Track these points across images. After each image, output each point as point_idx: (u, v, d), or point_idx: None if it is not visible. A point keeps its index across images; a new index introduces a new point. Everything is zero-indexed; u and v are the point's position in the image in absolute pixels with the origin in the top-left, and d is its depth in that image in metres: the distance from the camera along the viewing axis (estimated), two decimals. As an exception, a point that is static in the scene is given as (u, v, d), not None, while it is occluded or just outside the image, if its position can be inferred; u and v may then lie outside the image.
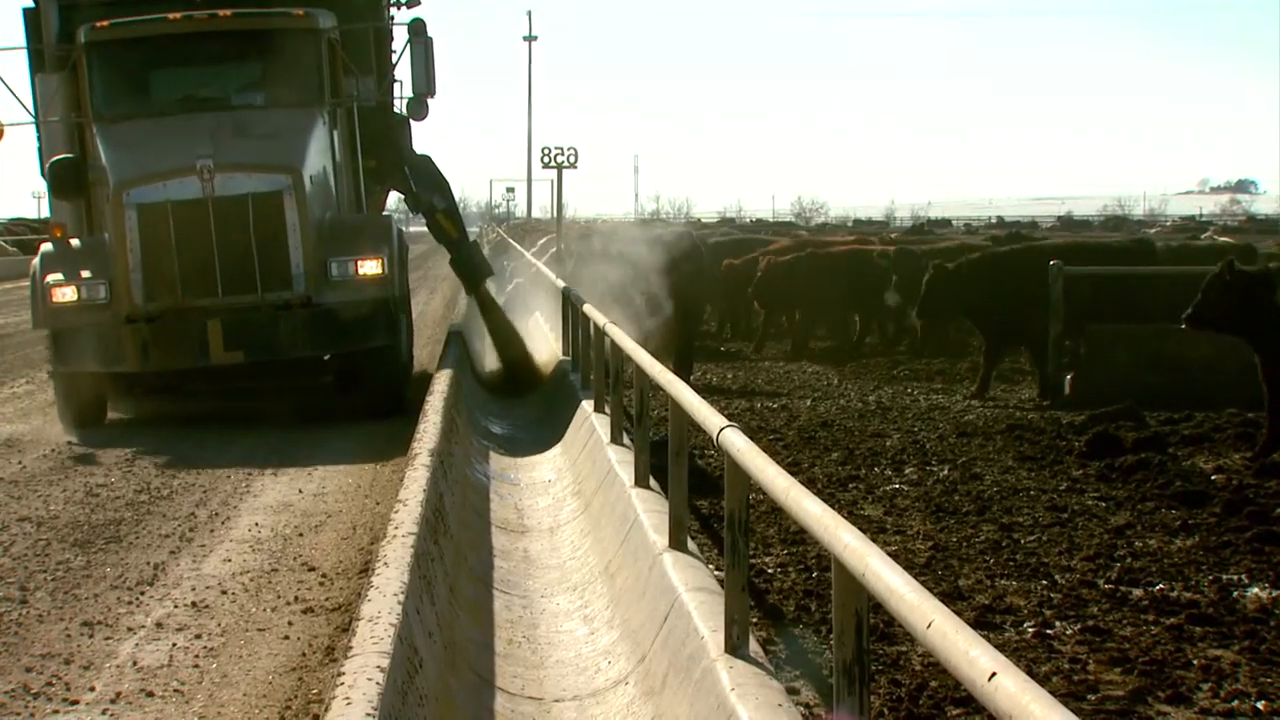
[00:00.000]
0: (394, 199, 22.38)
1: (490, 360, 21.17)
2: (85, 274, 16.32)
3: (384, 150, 19.21)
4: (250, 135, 16.71)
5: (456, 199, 20.79)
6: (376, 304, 16.68)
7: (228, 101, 17.54)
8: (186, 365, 16.35)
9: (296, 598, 9.29)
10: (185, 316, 16.09)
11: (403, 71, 18.36)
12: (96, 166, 16.76)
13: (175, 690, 7.50)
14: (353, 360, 17.30)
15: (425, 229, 21.08)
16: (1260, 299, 13.77)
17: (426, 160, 20.05)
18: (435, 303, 36.34)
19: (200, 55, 17.41)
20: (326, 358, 17.53)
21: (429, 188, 19.88)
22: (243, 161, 16.25)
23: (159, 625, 8.69)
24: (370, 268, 16.57)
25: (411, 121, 19.38)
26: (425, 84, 17.85)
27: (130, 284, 16.02)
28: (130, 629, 8.62)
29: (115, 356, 16.26)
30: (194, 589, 9.54)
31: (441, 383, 14.65)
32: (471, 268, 20.59)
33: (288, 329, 16.27)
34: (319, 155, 16.98)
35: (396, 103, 19.46)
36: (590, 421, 13.55)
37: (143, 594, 9.43)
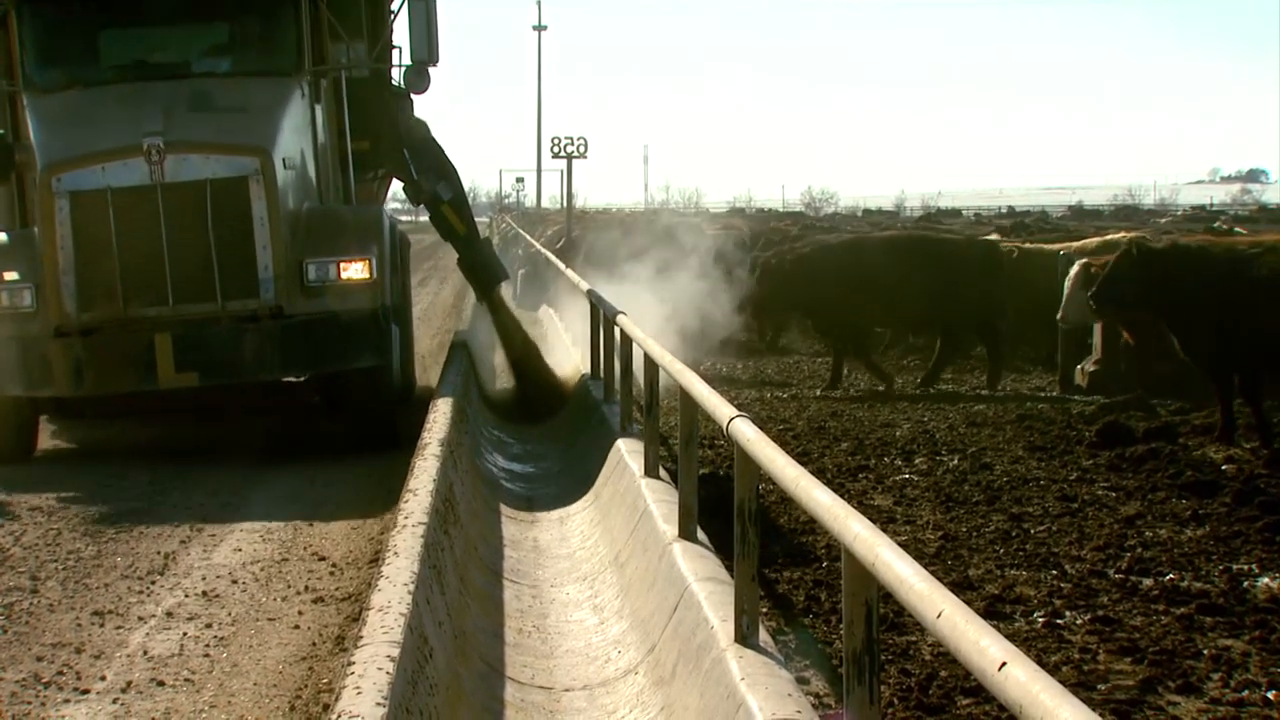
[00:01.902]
0: (397, 190, 19.74)
1: (498, 361, 19.34)
2: (9, 276, 13.43)
3: (378, 129, 16.25)
4: (211, 109, 13.87)
5: (466, 189, 18.02)
6: (363, 315, 13.77)
7: (187, 68, 14.62)
8: (129, 389, 13.61)
9: (307, 587, 9.31)
10: (128, 329, 13.27)
11: (401, 36, 15.77)
12: (27, 145, 13.89)
13: (186, 679, 7.51)
14: (335, 383, 14.55)
15: None
16: (1167, 275, 13.88)
17: (429, 142, 17.20)
18: (445, 293, 36.30)
19: (155, 12, 14.70)
20: (302, 380, 14.99)
21: (433, 175, 17.04)
22: (200, 141, 13.40)
23: (169, 614, 8.71)
24: (355, 271, 13.73)
25: (412, 97, 16.58)
26: (426, 50, 14.94)
27: (61, 289, 13.19)
28: (141, 618, 8.64)
29: (42, 377, 13.40)
30: (204, 578, 9.56)
31: (450, 380, 14.52)
32: (482, 269, 17.84)
33: (253, 346, 13.41)
34: (295, 134, 14.19)
35: (393, 73, 16.63)
36: (601, 412, 13.56)
37: (153, 583, 9.45)
